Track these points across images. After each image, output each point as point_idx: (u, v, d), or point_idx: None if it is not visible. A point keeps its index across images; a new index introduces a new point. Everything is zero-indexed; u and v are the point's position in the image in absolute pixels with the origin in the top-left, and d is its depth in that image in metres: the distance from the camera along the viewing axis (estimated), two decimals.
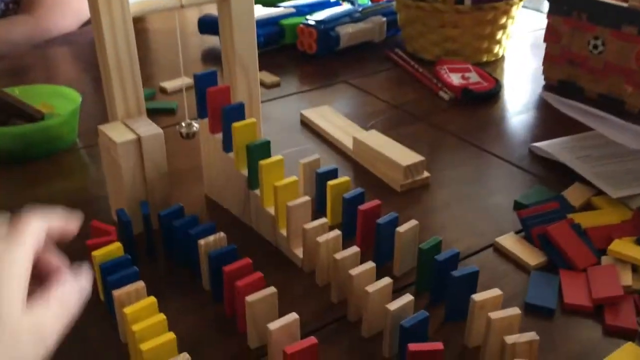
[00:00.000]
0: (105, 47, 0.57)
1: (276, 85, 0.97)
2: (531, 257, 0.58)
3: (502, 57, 1.08)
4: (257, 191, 0.60)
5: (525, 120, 0.87)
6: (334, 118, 0.84)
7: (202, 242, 0.53)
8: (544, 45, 0.95)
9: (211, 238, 0.53)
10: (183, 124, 0.69)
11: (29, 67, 1.09)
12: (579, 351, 0.49)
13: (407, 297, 0.47)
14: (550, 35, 0.93)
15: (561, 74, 0.94)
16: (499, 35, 1.04)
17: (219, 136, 0.63)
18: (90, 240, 0.52)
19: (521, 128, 0.85)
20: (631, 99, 0.87)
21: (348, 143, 0.77)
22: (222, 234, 0.54)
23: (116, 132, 0.58)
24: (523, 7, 1.07)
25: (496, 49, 1.06)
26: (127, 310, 0.45)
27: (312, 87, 0.97)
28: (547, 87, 0.96)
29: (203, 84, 0.61)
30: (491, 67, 1.03)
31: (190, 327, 0.51)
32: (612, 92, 0.89)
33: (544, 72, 0.97)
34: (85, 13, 1.22)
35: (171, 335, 0.44)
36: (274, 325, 0.44)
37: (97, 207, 0.66)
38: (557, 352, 0.49)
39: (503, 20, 1.02)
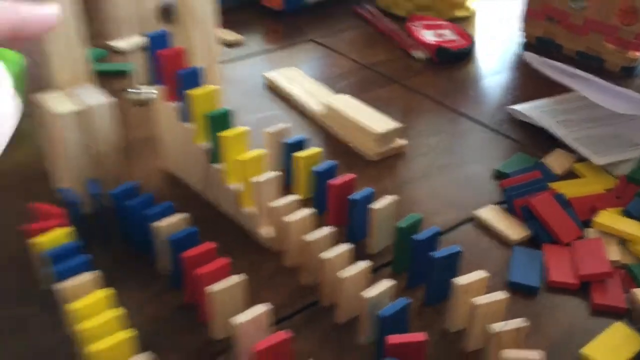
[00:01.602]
0: None
1: (239, 44, 0.91)
2: (513, 231, 0.55)
3: (474, 12, 1.03)
4: (219, 166, 0.55)
5: (502, 81, 0.83)
6: (301, 80, 0.79)
7: (158, 224, 0.48)
8: (516, 1, 0.90)
9: (171, 220, 0.48)
10: (132, 90, 0.62)
11: None
12: (565, 331, 0.47)
13: (387, 283, 0.43)
14: None
15: (539, 30, 0.90)
16: None
17: (175, 105, 0.57)
18: (34, 225, 0.47)
19: (499, 89, 0.81)
20: (612, 57, 0.83)
21: (317, 108, 0.72)
22: (184, 214, 0.49)
23: (55, 102, 0.52)
24: None
25: (468, 2, 1.01)
26: (77, 305, 0.40)
27: (277, 46, 0.91)
28: (525, 45, 0.92)
29: (155, 46, 0.55)
30: (464, 24, 0.98)
31: (149, 319, 0.47)
32: (591, 50, 0.85)
33: (525, 29, 0.92)
34: None
35: (126, 334, 0.39)
36: (239, 319, 0.40)
37: (36, 187, 0.60)
38: (542, 333, 0.46)
39: None
